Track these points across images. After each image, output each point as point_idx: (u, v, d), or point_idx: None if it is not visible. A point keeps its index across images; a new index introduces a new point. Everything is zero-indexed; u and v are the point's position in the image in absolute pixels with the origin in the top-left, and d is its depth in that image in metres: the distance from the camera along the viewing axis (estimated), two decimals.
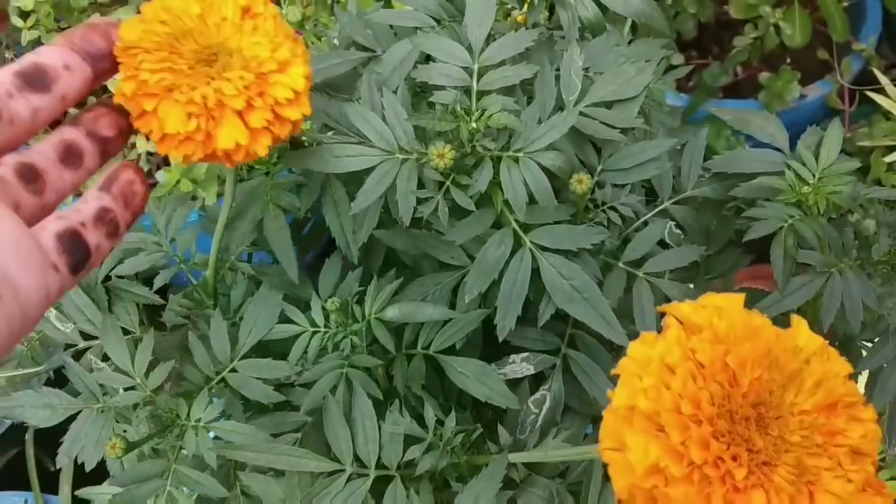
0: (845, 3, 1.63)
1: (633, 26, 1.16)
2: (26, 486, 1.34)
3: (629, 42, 0.94)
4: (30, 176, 0.49)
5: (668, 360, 0.45)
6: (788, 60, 1.66)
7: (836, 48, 1.65)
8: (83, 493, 0.99)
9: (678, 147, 0.82)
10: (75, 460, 1.32)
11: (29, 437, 1.37)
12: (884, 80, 1.57)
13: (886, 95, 1.56)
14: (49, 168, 0.50)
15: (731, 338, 0.46)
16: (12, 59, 1.49)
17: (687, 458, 0.43)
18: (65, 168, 0.51)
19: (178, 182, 1.32)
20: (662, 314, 0.49)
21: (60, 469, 1.33)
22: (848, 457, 0.45)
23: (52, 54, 0.52)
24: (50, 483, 1.34)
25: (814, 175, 0.76)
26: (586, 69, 0.78)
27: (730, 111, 0.83)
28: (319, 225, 0.93)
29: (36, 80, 0.50)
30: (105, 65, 0.54)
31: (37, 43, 1.46)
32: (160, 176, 1.35)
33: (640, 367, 0.46)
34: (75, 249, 0.48)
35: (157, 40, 0.56)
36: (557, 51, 0.80)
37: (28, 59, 0.51)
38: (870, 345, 0.75)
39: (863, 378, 0.80)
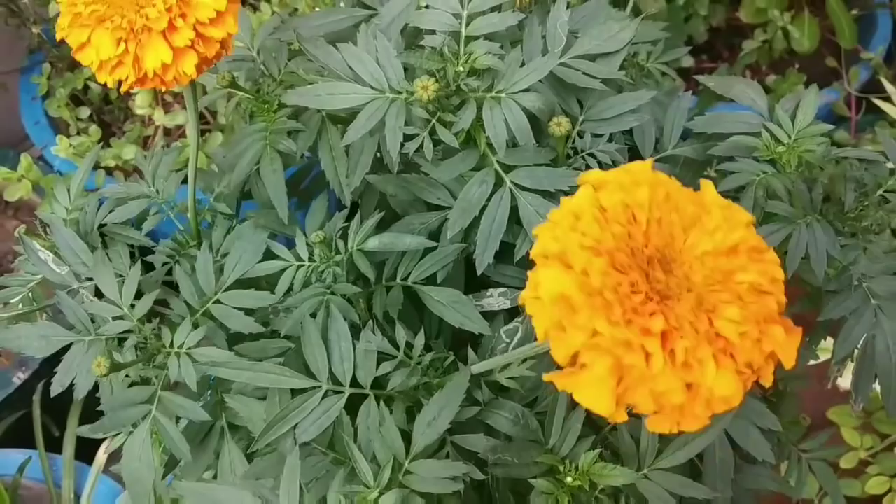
0: (855, 13, 1.65)
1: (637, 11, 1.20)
2: (31, 446, 1.38)
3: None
4: None
5: (575, 209, 0.49)
6: (797, 66, 1.68)
7: (845, 57, 1.68)
8: (81, 431, 1.03)
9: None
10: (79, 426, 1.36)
11: (36, 398, 1.42)
12: (891, 88, 1.59)
13: (893, 104, 1.58)
14: None
15: (632, 187, 0.49)
16: (39, 35, 1.55)
17: (588, 286, 0.46)
18: None
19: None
20: None
21: (64, 432, 1.38)
22: (749, 293, 0.48)
23: None
24: (53, 446, 1.38)
25: (789, 136, 0.80)
26: (576, 31, 0.82)
27: (713, 78, 0.86)
28: (316, 180, 0.98)
29: None
30: None
31: None
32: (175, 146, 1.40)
33: (554, 223, 0.50)
34: None
35: None
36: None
37: None
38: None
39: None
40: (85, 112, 1.55)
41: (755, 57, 1.66)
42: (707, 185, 0.51)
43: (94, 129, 1.48)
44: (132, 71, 0.63)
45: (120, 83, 0.67)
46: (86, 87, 1.57)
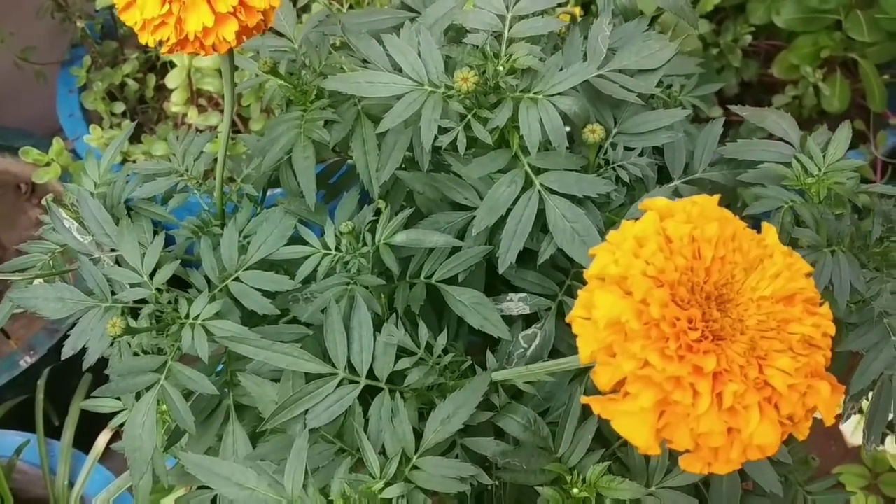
0: (886, 78, 1.67)
1: None
2: (31, 431, 1.37)
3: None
4: None
5: (639, 235, 0.49)
6: (825, 125, 1.69)
7: (874, 120, 1.68)
8: (86, 404, 1.02)
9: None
10: (80, 415, 1.35)
11: (41, 383, 1.41)
12: None
13: None
14: None
15: (700, 220, 0.49)
16: (83, 29, 1.58)
17: (646, 315, 0.46)
18: None
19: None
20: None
21: (64, 420, 1.37)
22: (800, 344, 0.48)
23: None
24: (53, 434, 1.38)
25: (819, 168, 0.80)
26: (615, 48, 0.83)
27: (747, 109, 0.87)
28: (345, 177, 0.99)
29: None
30: None
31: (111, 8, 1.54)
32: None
33: (614, 245, 0.50)
34: None
35: None
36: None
37: None
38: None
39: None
40: (119, 107, 1.57)
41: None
42: (769, 229, 0.52)
43: (127, 125, 1.50)
44: (174, 32, 0.65)
45: (160, 47, 0.68)
46: (122, 85, 1.59)
